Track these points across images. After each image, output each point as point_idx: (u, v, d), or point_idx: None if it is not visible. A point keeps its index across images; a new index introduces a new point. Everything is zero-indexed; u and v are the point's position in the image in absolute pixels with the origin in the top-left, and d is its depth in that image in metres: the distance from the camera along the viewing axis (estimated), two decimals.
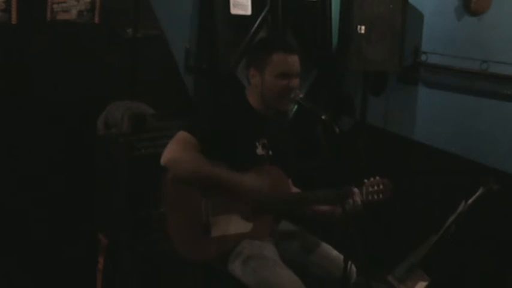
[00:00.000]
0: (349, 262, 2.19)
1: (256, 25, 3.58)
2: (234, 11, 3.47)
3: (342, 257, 2.33)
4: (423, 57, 3.86)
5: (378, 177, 2.49)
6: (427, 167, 3.80)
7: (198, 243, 2.33)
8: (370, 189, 2.47)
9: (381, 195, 2.48)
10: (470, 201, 2.94)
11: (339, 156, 2.27)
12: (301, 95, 2.41)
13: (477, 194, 2.93)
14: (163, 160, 2.29)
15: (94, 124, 2.95)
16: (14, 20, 2.74)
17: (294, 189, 2.63)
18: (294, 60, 2.42)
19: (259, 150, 2.45)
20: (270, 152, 2.48)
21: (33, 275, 2.98)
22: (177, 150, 2.29)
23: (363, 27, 3.58)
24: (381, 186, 2.48)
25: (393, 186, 2.50)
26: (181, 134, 2.32)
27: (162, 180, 2.33)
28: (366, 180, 2.48)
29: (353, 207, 2.35)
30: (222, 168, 2.30)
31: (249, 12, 3.55)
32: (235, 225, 2.38)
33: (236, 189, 2.31)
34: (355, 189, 2.41)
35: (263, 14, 3.62)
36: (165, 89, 3.34)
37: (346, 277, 2.21)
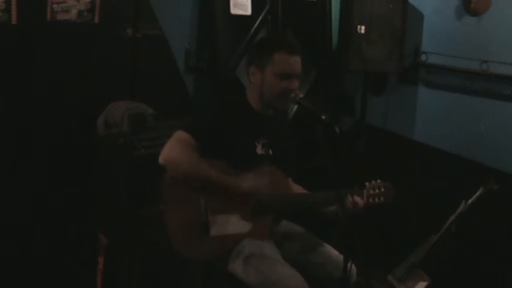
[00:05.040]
0: (350, 262, 2.19)
1: (256, 25, 3.57)
2: (234, 11, 3.47)
3: (341, 257, 2.33)
4: (423, 57, 3.86)
5: (379, 180, 2.49)
6: (427, 167, 3.80)
7: (197, 242, 2.33)
8: (371, 192, 2.46)
9: (382, 198, 2.48)
10: (470, 201, 2.94)
11: (339, 156, 2.26)
12: (301, 95, 2.40)
13: (477, 194, 2.93)
14: (161, 159, 2.29)
15: (94, 124, 2.95)
16: (14, 20, 2.74)
17: (295, 187, 2.62)
18: (295, 61, 2.41)
19: (259, 150, 2.45)
20: (270, 152, 2.47)
21: (34, 274, 2.97)
22: (174, 149, 2.29)
23: (362, 27, 3.58)
24: (382, 189, 2.48)
25: (395, 189, 2.50)
26: (180, 134, 2.32)
27: (161, 180, 2.33)
28: (367, 183, 2.48)
29: (352, 208, 2.34)
30: (218, 171, 2.30)
31: (249, 12, 3.55)
32: (234, 224, 2.37)
33: (232, 193, 2.31)
34: (355, 191, 2.41)
35: (263, 14, 3.62)
36: (165, 89, 3.33)
37: (347, 277, 2.21)
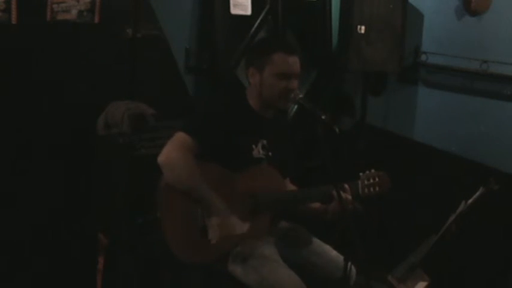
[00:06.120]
0: (349, 263, 2.18)
1: (256, 25, 3.57)
2: (234, 11, 3.47)
3: (341, 257, 2.33)
4: (423, 57, 3.86)
5: (373, 170, 2.48)
6: (427, 167, 3.80)
7: (195, 246, 2.32)
8: (366, 182, 2.46)
9: (377, 188, 2.47)
10: (470, 201, 2.94)
11: (339, 156, 2.27)
12: (301, 95, 2.40)
13: (477, 194, 2.93)
14: (159, 160, 2.29)
15: (94, 124, 2.95)
16: (14, 20, 2.74)
17: (292, 187, 2.62)
18: (294, 61, 2.41)
19: (256, 153, 2.44)
20: (270, 153, 2.47)
21: (33, 274, 2.97)
22: (173, 152, 2.28)
23: (362, 27, 3.58)
24: (377, 179, 2.47)
25: (390, 178, 2.49)
26: (179, 135, 2.31)
27: (158, 184, 2.32)
28: (361, 174, 2.47)
29: (344, 203, 2.33)
30: (208, 189, 2.29)
31: (249, 12, 3.55)
32: (232, 226, 2.37)
33: (220, 214, 2.31)
34: (346, 186, 2.41)
35: (263, 14, 3.61)
36: (165, 89, 3.34)
37: (346, 277, 2.20)
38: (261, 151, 2.45)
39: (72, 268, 3.03)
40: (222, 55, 3.43)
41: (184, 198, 2.31)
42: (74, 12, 2.95)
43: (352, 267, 2.36)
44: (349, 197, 2.38)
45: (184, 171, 2.28)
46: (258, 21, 3.59)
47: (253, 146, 2.44)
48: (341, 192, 2.27)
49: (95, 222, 3.00)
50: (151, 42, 3.22)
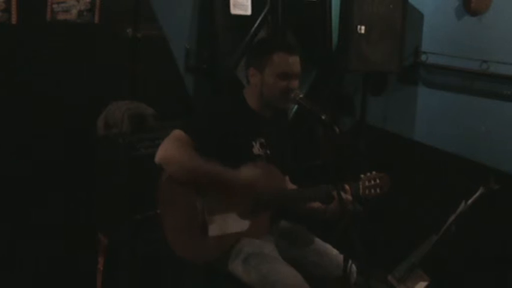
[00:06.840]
0: (349, 261, 2.18)
1: (256, 25, 3.58)
2: (234, 11, 3.48)
3: (341, 256, 2.32)
4: (423, 57, 3.86)
5: (374, 172, 2.49)
6: (427, 167, 3.80)
7: (195, 244, 2.32)
8: (367, 183, 2.46)
9: (378, 190, 2.47)
10: (470, 201, 2.95)
11: (339, 156, 2.26)
12: (301, 95, 2.40)
13: (477, 194, 2.94)
14: (157, 158, 2.28)
15: (94, 124, 2.95)
16: (14, 20, 2.74)
17: (291, 187, 2.62)
18: (294, 61, 2.41)
19: (256, 150, 2.45)
20: (268, 151, 2.48)
21: (33, 274, 2.98)
22: (170, 148, 2.28)
23: (363, 27, 3.58)
24: (378, 181, 2.47)
25: (390, 179, 2.49)
26: (176, 133, 2.31)
27: (158, 182, 2.32)
28: (362, 175, 2.48)
29: (344, 204, 2.33)
30: (215, 164, 2.28)
31: (249, 12, 3.55)
32: (233, 224, 2.37)
33: (231, 183, 2.29)
34: (346, 187, 2.41)
35: (263, 14, 3.62)
36: (165, 89, 3.34)
37: (346, 277, 2.20)
38: (259, 149, 2.45)
39: (72, 268, 3.03)
40: (222, 55, 3.43)
41: (184, 195, 2.31)
42: (74, 12, 2.95)
43: (353, 265, 2.36)
44: (349, 197, 2.38)
45: (185, 159, 2.26)
46: (258, 21, 3.59)
47: (253, 143, 2.45)
48: (341, 193, 2.27)
49: (95, 222, 3.00)
50: (151, 42, 3.22)
